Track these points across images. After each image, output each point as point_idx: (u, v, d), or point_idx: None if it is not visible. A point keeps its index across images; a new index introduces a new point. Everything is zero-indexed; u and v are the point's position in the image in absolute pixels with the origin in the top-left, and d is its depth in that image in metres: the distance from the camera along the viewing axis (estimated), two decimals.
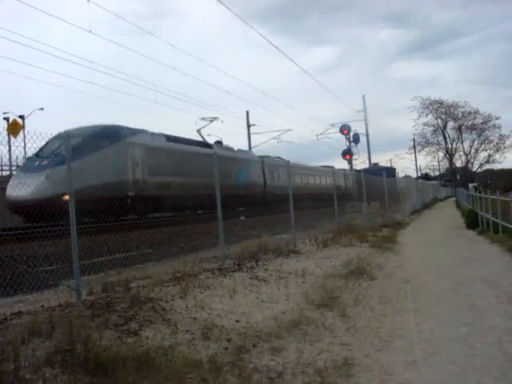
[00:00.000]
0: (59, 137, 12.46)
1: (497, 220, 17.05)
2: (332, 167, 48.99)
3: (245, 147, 48.21)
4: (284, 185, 34.56)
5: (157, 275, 8.22)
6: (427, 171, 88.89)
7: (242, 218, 24.81)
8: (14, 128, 33.46)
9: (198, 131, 32.88)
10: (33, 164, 17.71)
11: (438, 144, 71.06)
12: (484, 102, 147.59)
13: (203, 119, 33.49)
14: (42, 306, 6.46)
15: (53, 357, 4.67)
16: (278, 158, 40.84)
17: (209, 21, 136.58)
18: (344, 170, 42.43)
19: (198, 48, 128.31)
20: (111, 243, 11.23)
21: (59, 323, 5.38)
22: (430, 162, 79.61)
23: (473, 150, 69.95)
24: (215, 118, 34.18)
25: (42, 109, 39.45)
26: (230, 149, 34.24)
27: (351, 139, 42.55)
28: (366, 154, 49.20)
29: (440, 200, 67.01)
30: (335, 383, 5.06)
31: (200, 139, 31.85)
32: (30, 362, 4.49)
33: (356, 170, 34.31)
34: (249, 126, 51.77)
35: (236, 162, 32.58)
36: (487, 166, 72.36)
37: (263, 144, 53.89)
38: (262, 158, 38.90)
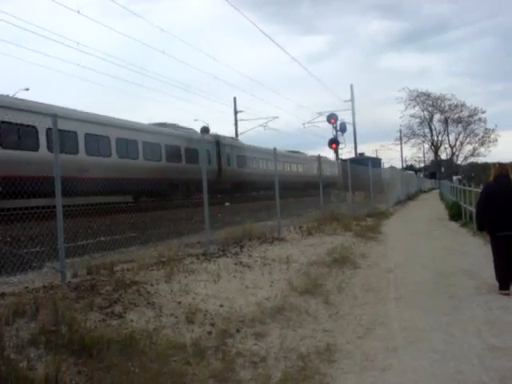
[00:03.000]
0: None
1: None
2: (299, 152, 48.82)
3: (232, 134, 48.11)
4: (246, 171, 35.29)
5: (141, 259, 8.23)
6: (412, 163, 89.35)
7: (227, 204, 24.85)
8: None
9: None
10: None
11: (424, 136, 71.75)
12: (471, 95, 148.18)
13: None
14: (26, 287, 6.45)
15: (37, 338, 4.67)
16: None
17: (199, 5, 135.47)
18: (325, 157, 42.50)
19: (188, 33, 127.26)
20: (96, 226, 11.20)
21: (44, 304, 5.38)
22: (415, 153, 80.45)
23: (458, 143, 70.76)
24: None
25: (27, 89, 38.91)
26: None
27: (338, 128, 42.51)
28: (353, 144, 49.21)
29: (424, 191, 67.43)
30: (317, 368, 5.13)
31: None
32: (15, 342, 4.49)
33: (342, 160, 34.32)
34: (236, 112, 51.61)
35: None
36: (472, 159, 73.22)
37: (250, 131, 53.87)
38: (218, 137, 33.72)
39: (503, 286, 8.01)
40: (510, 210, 7.94)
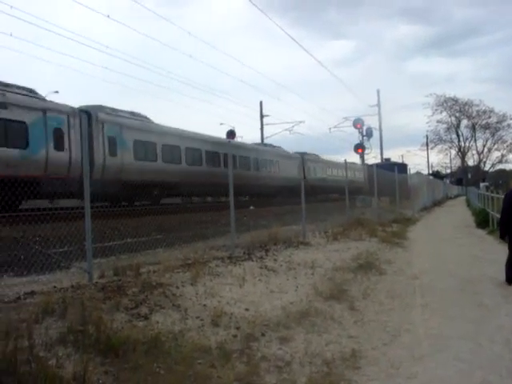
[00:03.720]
0: None
1: None
2: (315, 155, 49.21)
3: (257, 138, 48.20)
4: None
5: (167, 261, 8.28)
6: (439, 169, 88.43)
7: (252, 207, 24.87)
8: None
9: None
10: None
11: (451, 142, 71.09)
12: (499, 101, 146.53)
13: None
14: (55, 286, 6.54)
15: (65, 336, 4.74)
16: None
17: (226, 10, 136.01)
18: (355, 163, 42.38)
19: (215, 37, 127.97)
20: (122, 228, 11.30)
21: (72, 304, 5.46)
22: (441, 159, 79.73)
23: (486, 150, 69.91)
24: None
25: (56, 92, 39.41)
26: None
27: (364, 133, 42.40)
28: (378, 149, 49.02)
29: (451, 198, 66.66)
30: (342, 375, 5.11)
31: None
32: (44, 340, 4.57)
33: (368, 165, 34.12)
34: (262, 116, 51.68)
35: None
36: (500, 166, 72.24)
37: (275, 135, 53.91)
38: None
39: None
40: None
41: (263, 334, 6.00)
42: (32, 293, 6.09)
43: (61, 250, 8.38)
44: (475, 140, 70.10)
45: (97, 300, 5.87)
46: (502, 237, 9.50)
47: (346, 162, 20.44)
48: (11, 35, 21.75)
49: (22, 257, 7.73)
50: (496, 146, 69.36)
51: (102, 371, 4.37)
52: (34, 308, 5.19)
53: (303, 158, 41.27)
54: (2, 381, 3.81)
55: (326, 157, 49.84)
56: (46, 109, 18.63)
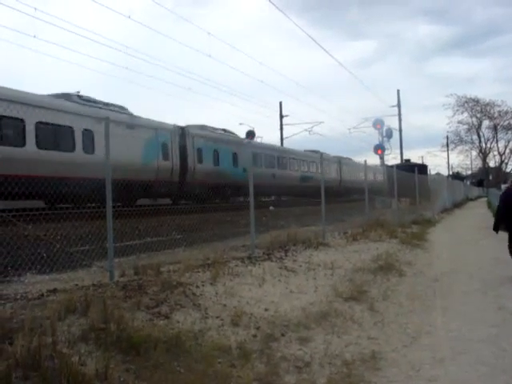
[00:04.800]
0: None
1: None
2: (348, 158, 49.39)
3: (277, 138, 48.27)
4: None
5: (187, 261, 8.32)
6: (459, 170, 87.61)
7: (272, 208, 24.88)
8: None
9: None
10: None
11: (472, 143, 70.30)
12: None
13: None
14: (76, 284, 6.62)
15: (87, 334, 4.80)
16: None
17: (246, 10, 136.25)
18: (375, 165, 42.27)
19: (234, 37, 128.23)
20: (142, 227, 11.40)
21: (93, 302, 5.52)
22: (462, 160, 78.93)
23: (508, 151, 68.94)
24: None
25: (78, 92, 39.75)
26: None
27: (384, 134, 42.15)
28: (398, 150, 48.65)
29: (471, 199, 65.98)
30: (362, 376, 5.10)
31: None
32: (67, 337, 4.62)
33: (387, 166, 33.92)
34: (281, 116, 51.63)
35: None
36: None
37: (295, 136, 53.80)
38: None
39: None
40: None
41: (283, 335, 6.01)
42: (54, 290, 6.17)
43: (82, 248, 8.46)
44: (497, 141, 69.31)
45: (118, 298, 5.93)
46: (495, 229, 10.78)
47: (365, 162, 20.33)
48: (35, 37, 21.92)
49: (45, 255, 7.80)
50: None
51: (123, 369, 4.41)
52: (57, 305, 5.25)
53: (340, 162, 45.23)
54: (27, 376, 3.87)
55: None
56: (157, 128, 23.39)
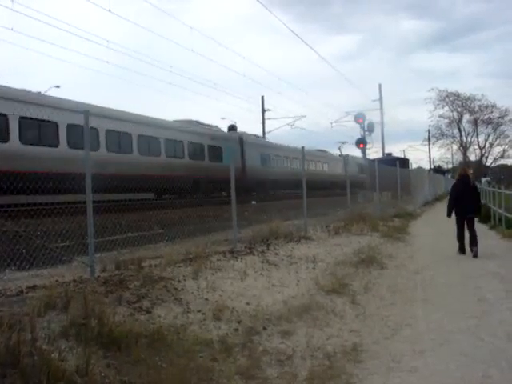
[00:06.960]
0: None
1: (509, 215, 17.02)
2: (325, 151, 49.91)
3: (259, 132, 48.31)
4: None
5: (169, 255, 8.27)
6: (440, 164, 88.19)
7: (253, 202, 24.90)
8: None
9: None
10: None
11: (453, 137, 70.83)
12: (502, 96, 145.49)
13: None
14: (57, 280, 6.53)
15: (68, 330, 4.74)
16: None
17: (229, 5, 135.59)
18: (355, 157, 42.51)
19: (217, 32, 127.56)
20: (124, 222, 11.33)
21: (74, 298, 5.45)
22: (443, 154, 79.35)
23: (487, 145, 69.62)
24: None
25: (58, 86, 39.41)
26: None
27: (366, 128, 42.21)
28: (380, 144, 48.82)
29: None
30: (344, 368, 5.13)
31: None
32: (46, 333, 4.57)
33: (369, 160, 34.06)
34: (264, 111, 51.56)
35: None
36: (501, 161, 72.02)
37: (277, 130, 53.86)
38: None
39: (461, 251, 12.48)
40: (469, 200, 12.25)
41: (265, 328, 6.01)
42: (34, 287, 6.10)
43: (62, 244, 8.38)
44: (477, 135, 69.90)
45: (99, 294, 5.87)
46: (448, 215, 12.69)
47: (346, 156, 20.38)
48: (12, 29, 21.63)
49: (24, 251, 7.72)
50: (498, 141, 69.08)
51: (104, 364, 4.38)
52: (37, 302, 5.18)
53: (344, 159, 44.42)
54: (5, 373, 3.83)
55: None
56: (233, 138, 33.08)
